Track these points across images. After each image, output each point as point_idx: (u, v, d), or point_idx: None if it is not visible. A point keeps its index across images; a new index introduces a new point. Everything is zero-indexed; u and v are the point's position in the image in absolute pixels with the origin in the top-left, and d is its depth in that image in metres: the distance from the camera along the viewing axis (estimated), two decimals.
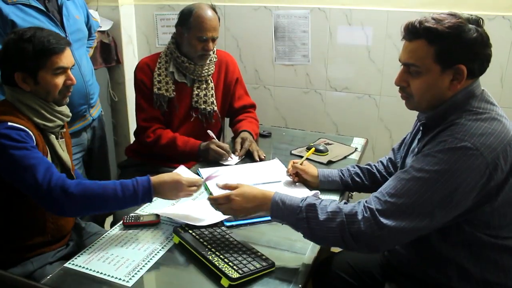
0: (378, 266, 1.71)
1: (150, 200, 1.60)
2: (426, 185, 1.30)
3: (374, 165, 1.89)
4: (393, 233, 1.30)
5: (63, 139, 1.77)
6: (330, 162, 2.17)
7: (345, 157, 2.25)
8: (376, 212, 1.31)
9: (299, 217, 1.40)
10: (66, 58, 1.66)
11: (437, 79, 1.38)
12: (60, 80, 1.66)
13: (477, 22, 1.36)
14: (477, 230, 1.37)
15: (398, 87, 1.49)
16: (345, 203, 1.42)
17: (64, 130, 1.78)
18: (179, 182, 1.59)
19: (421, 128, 1.52)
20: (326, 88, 3.17)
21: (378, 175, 1.85)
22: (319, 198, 1.49)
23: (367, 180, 1.86)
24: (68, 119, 1.77)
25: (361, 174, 1.87)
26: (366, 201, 1.37)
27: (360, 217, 1.32)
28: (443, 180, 1.28)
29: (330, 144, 2.39)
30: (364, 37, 2.97)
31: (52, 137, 1.70)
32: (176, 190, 1.60)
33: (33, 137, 1.57)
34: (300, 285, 1.35)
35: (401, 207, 1.30)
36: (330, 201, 1.41)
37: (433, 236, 1.41)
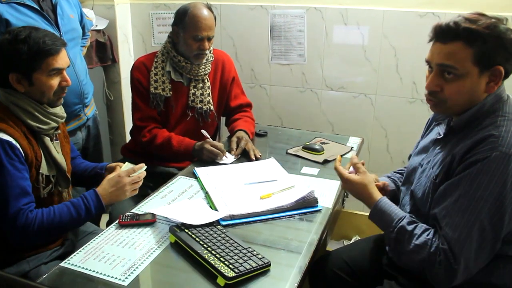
0: (376, 264, 1.71)
1: (103, 209, 1.68)
2: (477, 201, 1.30)
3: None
4: (468, 267, 1.32)
5: (58, 141, 1.76)
6: (326, 161, 2.18)
7: (341, 156, 2.24)
8: (450, 254, 1.31)
9: (390, 236, 1.46)
10: (62, 59, 1.65)
11: (475, 82, 1.35)
12: (55, 82, 1.65)
13: (505, 22, 1.34)
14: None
15: (426, 92, 1.45)
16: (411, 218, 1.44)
17: (59, 131, 1.77)
18: (118, 179, 1.69)
19: (439, 129, 1.51)
20: (322, 88, 3.17)
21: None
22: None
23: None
24: (63, 120, 1.76)
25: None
26: (440, 241, 1.34)
27: (438, 259, 1.32)
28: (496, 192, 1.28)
29: (326, 143, 2.39)
30: (360, 37, 2.97)
31: (47, 139, 1.69)
32: (121, 188, 1.69)
33: (20, 149, 1.57)
34: (296, 284, 1.35)
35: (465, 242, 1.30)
36: (423, 228, 1.39)
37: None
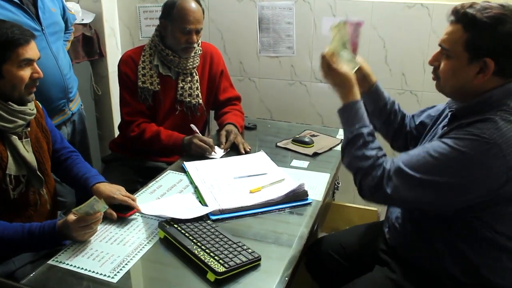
0: (371, 250, 1.72)
1: (59, 243, 1.52)
2: (445, 163, 1.31)
3: (408, 118, 1.84)
4: (399, 196, 1.38)
5: (28, 139, 1.68)
6: (315, 154, 2.17)
7: (330, 149, 2.25)
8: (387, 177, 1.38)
9: (347, 135, 1.52)
10: (32, 50, 1.60)
11: (463, 68, 1.37)
12: (26, 73, 1.59)
13: None
14: (484, 227, 1.37)
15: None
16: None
17: (29, 129, 1.69)
18: (69, 225, 1.46)
19: (448, 115, 1.51)
20: (311, 80, 3.16)
21: (401, 129, 1.83)
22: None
23: (396, 124, 1.82)
24: (32, 117, 1.68)
25: (398, 115, 1.83)
26: (394, 160, 1.41)
27: (375, 173, 1.41)
28: (461, 165, 1.29)
29: (316, 136, 2.39)
30: None
31: (14, 138, 1.62)
32: (71, 234, 1.47)
33: None
34: (286, 278, 1.35)
35: (415, 180, 1.34)
36: (378, 145, 1.48)
37: (439, 224, 1.43)
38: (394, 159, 1.42)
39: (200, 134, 2.21)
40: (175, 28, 2.23)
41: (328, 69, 1.55)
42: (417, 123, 1.79)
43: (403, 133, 1.80)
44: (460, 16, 1.35)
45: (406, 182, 1.36)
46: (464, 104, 1.43)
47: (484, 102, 1.37)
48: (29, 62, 1.60)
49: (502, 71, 1.34)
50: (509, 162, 1.27)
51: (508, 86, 1.36)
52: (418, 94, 2.92)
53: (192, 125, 2.24)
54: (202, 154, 2.14)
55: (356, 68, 1.62)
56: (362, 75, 1.71)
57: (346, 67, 1.55)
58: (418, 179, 1.34)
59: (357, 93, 1.54)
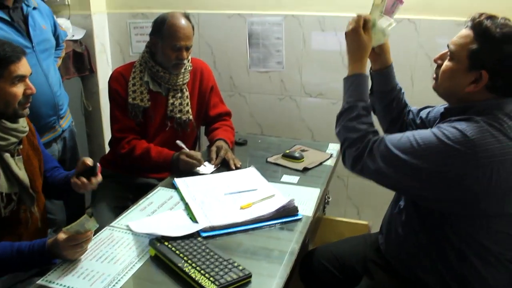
0: (363, 261, 1.73)
1: (49, 262, 1.52)
2: (426, 150, 1.35)
3: (408, 109, 1.87)
4: (378, 170, 1.43)
5: (20, 156, 1.69)
6: (305, 169, 2.18)
7: (320, 164, 2.26)
8: (379, 147, 1.44)
9: (343, 104, 1.59)
10: (24, 66, 1.60)
11: (460, 73, 1.40)
12: (19, 90, 1.60)
13: None
14: (475, 244, 1.40)
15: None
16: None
17: (21, 146, 1.70)
18: (60, 243, 1.45)
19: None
20: (301, 95, 3.19)
21: (400, 118, 1.86)
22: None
23: (395, 112, 1.85)
24: (24, 135, 1.69)
25: (400, 104, 1.85)
26: (384, 137, 1.47)
27: (360, 145, 1.48)
28: (442, 156, 1.32)
29: (306, 150, 2.40)
30: (338, 43, 2.99)
31: (7, 155, 1.62)
32: (62, 252, 1.45)
33: None
34: None
35: (397, 159, 1.39)
36: (371, 121, 1.55)
37: (435, 235, 1.46)
38: (381, 137, 1.47)
39: (187, 150, 2.21)
40: (165, 45, 2.25)
41: (353, 30, 1.59)
42: (416, 117, 1.83)
43: (399, 123, 1.83)
44: (475, 24, 1.37)
45: (387, 159, 1.41)
46: (454, 107, 1.47)
47: (473, 109, 1.40)
48: (21, 78, 1.60)
49: (493, 88, 1.37)
50: (479, 161, 1.29)
51: (497, 101, 1.38)
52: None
53: (178, 141, 2.24)
54: (191, 170, 2.15)
55: (379, 43, 1.68)
56: (381, 52, 1.75)
57: (368, 38, 1.60)
58: (399, 159, 1.38)
59: (365, 66, 1.60)
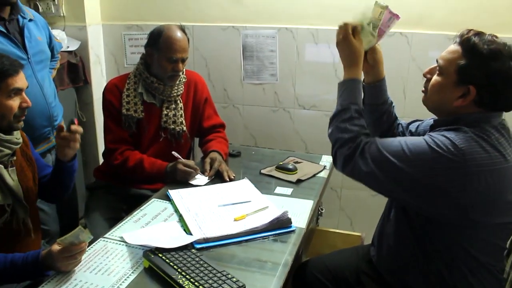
0: (355, 273, 1.74)
1: (42, 274, 1.51)
2: (416, 156, 1.37)
3: (398, 123, 1.90)
4: (368, 172, 1.45)
5: (14, 168, 1.69)
6: (299, 181, 2.19)
7: (314, 175, 2.27)
8: (370, 149, 1.46)
9: (337, 107, 1.60)
10: (21, 80, 1.62)
11: (449, 87, 1.42)
12: (15, 103, 1.61)
13: None
14: (463, 248, 1.42)
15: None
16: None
17: (14, 158, 1.70)
18: (54, 255, 1.44)
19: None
20: (295, 106, 3.21)
21: (390, 131, 1.88)
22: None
23: (386, 126, 1.87)
24: (18, 147, 1.69)
25: (391, 118, 1.87)
26: (376, 139, 1.49)
27: (351, 145, 1.50)
28: (430, 163, 1.35)
29: (299, 162, 2.41)
30: (331, 56, 3.02)
31: (0, 167, 1.63)
32: (66, 259, 1.45)
33: None
34: None
35: (387, 162, 1.41)
36: (363, 124, 1.56)
37: (420, 247, 1.47)
38: (373, 139, 1.49)
39: (183, 159, 2.23)
40: (161, 56, 2.26)
41: (343, 38, 1.61)
42: (406, 130, 1.85)
43: (389, 136, 1.83)
44: (463, 40, 1.40)
45: (377, 160, 1.43)
46: (442, 119, 1.50)
47: (461, 121, 1.42)
48: (18, 91, 1.62)
49: (481, 102, 1.39)
50: (467, 169, 1.31)
51: (484, 115, 1.41)
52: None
53: (174, 152, 2.25)
54: (188, 179, 2.16)
55: (371, 44, 1.69)
56: (374, 63, 1.75)
57: (360, 43, 1.61)
58: (389, 161, 1.40)
59: (360, 71, 1.62)
